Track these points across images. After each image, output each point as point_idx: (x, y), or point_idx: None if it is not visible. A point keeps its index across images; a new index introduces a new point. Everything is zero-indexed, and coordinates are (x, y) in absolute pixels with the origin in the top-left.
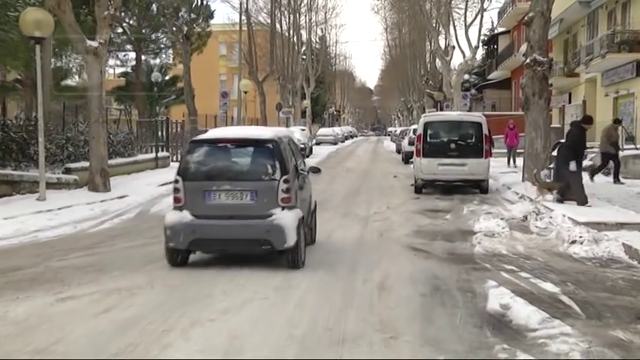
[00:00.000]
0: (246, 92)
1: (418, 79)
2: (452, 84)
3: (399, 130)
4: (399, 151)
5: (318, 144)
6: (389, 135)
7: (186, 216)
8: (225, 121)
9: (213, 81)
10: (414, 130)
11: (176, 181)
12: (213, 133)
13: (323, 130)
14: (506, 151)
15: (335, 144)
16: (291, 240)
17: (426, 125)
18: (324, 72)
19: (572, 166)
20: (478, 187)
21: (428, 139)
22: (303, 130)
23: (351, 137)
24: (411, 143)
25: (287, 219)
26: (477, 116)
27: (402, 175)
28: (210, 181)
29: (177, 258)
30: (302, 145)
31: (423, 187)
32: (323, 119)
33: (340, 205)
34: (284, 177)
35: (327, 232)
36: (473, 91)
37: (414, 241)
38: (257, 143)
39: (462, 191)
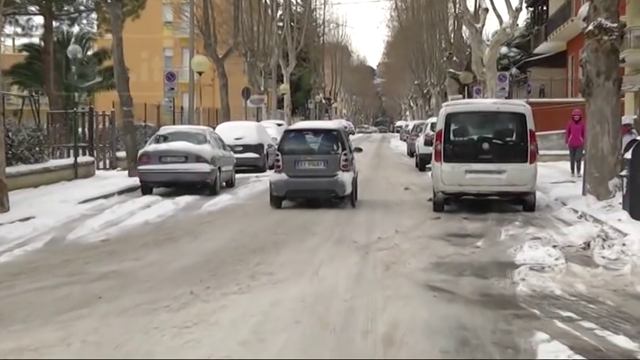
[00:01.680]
0: (200, 73)
1: (438, 54)
2: (484, 61)
3: (411, 124)
4: (411, 153)
5: None
6: (397, 131)
7: (283, 176)
8: (173, 113)
9: (154, 58)
10: (433, 125)
11: (277, 155)
12: (299, 125)
13: None
14: (566, 153)
15: None
16: (348, 190)
17: (449, 118)
18: (309, 45)
19: None
20: (521, 202)
21: (451, 138)
22: (279, 125)
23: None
24: (428, 143)
25: (346, 177)
26: (518, 105)
27: (415, 186)
28: (298, 155)
29: (278, 202)
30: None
31: (445, 202)
32: (307, 110)
33: (331, 228)
34: (344, 151)
35: (314, 267)
36: (513, 70)
37: (433, 277)
38: (326, 131)
39: (498, 208)
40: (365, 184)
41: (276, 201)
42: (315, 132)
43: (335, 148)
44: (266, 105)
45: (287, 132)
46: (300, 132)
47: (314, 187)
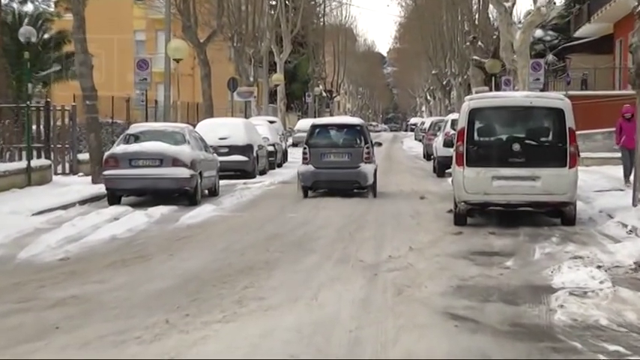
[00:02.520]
0: (178, 61)
1: (460, 38)
2: (515, 46)
3: (427, 121)
4: (428, 156)
5: (296, 145)
6: (412, 130)
7: (310, 167)
8: (145, 107)
9: (124, 43)
10: (453, 123)
11: (305, 148)
12: (324, 120)
13: (305, 123)
14: (614, 156)
15: None
16: (370, 180)
17: (473, 114)
18: (307, 28)
19: None
20: (559, 214)
21: (476, 137)
22: (272, 122)
23: None
24: (447, 144)
25: (368, 168)
26: (556, 99)
27: (432, 195)
28: (324, 148)
29: (306, 192)
30: (270, 148)
31: (468, 214)
32: (305, 105)
33: (332, 244)
34: (366, 145)
35: (312, 291)
36: (550, 57)
37: (454, 303)
38: (350, 126)
39: (531, 221)
40: None
41: (305, 191)
42: (340, 127)
43: (358, 141)
44: (256, 99)
45: (313, 127)
46: (326, 127)
47: (339, 178)
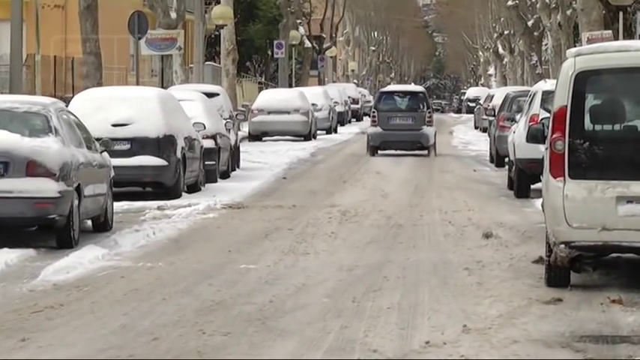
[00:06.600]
0: None
1: None
2: None
3: (499, 95)
4: (500, 158)
5: (256, 138)
6: (471, 111)
7: (378, 129)
8: None
9: None
10: (546, 98)
11: (373, 112)
12: (391, 88)
13: (271, 97)
14: None
15: (307, 138)
16: (431, 141)
17: (583, 82)
18: None
19: None
20: None
21: (587, 126)
22: (211, 96)
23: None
24: (535, 136)
25: (429, 130)
26: None
27: (507, 230)
28: (391, 112)
29: (373, 151)
30: (209, 142)
31: (572, 266)
32: (272, 64)
33: (321, 320)
34: (428, 110)
35: None
36: None
37: None
38: (415, 92)
39: None
40: (398, 227)
41: (372, 150)
42: (405, 93)
43: (421, 107)
44: (182, 52)
45: (381, 93)
46: (392, 93)
47: (403, 139)
